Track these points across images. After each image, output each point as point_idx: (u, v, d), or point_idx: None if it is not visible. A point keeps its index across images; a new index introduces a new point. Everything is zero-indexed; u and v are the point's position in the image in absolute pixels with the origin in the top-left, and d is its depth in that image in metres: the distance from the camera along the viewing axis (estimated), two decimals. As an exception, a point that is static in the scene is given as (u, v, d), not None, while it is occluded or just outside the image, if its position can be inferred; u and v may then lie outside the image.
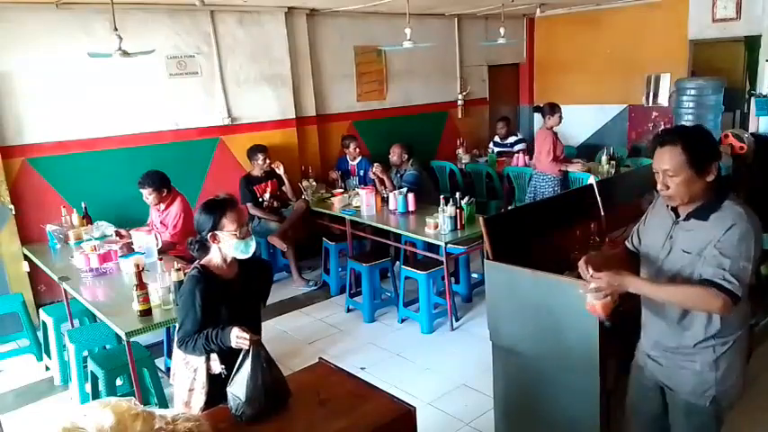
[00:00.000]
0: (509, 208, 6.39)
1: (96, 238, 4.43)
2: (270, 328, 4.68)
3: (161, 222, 4.54)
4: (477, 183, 7.22)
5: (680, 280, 2.03)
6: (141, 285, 3.15)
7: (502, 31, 6.93)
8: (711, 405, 2.08)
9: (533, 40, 9.15)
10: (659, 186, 2.03)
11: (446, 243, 4.48)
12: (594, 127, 8.49)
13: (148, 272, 3.56)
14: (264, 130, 6.25)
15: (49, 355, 4.37)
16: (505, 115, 8.30)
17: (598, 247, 3.13)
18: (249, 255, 2.45)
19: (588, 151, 7.54)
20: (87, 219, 4.83)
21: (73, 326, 4.25)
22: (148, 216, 4.76)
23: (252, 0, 5.63)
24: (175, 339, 2.50)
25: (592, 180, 3.68)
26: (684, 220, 2.05)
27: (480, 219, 2.97)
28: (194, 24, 5.71)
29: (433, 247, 4.95)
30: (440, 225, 4.58)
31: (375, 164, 5.89)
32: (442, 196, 4.81)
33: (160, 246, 4.16)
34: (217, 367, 2.45)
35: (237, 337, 2.19)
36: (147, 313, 3.16)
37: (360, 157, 6.50)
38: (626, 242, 2.39)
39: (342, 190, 5.98)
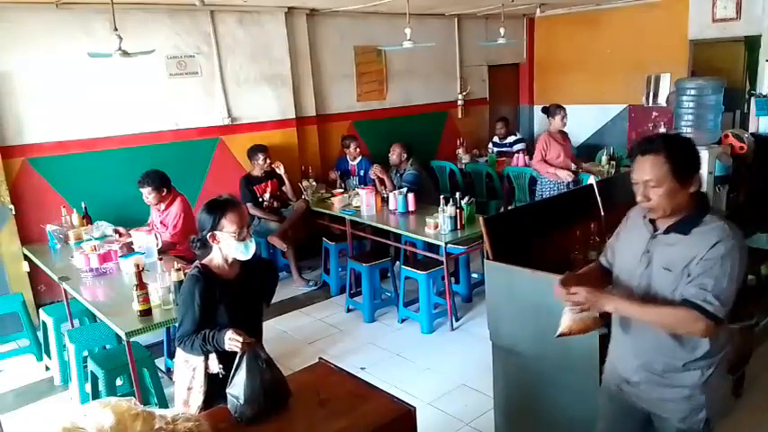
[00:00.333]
0: (509, 208, 6.40)
1: (96, 238, 4.44)
2: (270, 328, 4.67)
3: (161, 222, 4.54)
4: (477, 183, 7.23)
5: (660, 299, 1.92)
6: (141, 285, 3.15)
7: (502, 31, 6.93)
8: (705, 427, 2.00)
9: (533, 40, 9.15)
10: (639, 198, 1.91)
11: (446, 243, 4.48)
12: (594, 127, 8.49)
13: (148, 272, 3.56)
14: (264, 130, 6.25)
15: (49, 355, 4.37)
16: (504, 116, 8.31)
17: (598, 247, 3.14)
18: (248, 257, 2.45)
19: (588, 151, 7.55)
20: (87, 219, 4.83)
21: (73, 326, 4.25)
22: (148, 216, 4.76)
23: (252, 0, 5.63)
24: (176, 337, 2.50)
25: (592, 180, 3.68)
26: (664, 233, 1.94)
27: (480, 219, 2.97)
28: (194, 24, 5.71)
29: (433, 247, 4.95)
30: (440, 225, 4.58)
31: (375, 164, 5.90)
32: (441, 196, 4.82)
33: (160, 246, 4.15)
34: (215, 367, 2.45)
35: (230, 340, 2.20)
36: (147, 313, 3.16)
37: (360, 157, 6.50)
38: (600, 258, 2.27)
39: (342, 190, 5.98)
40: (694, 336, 1.87)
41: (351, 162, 6.59)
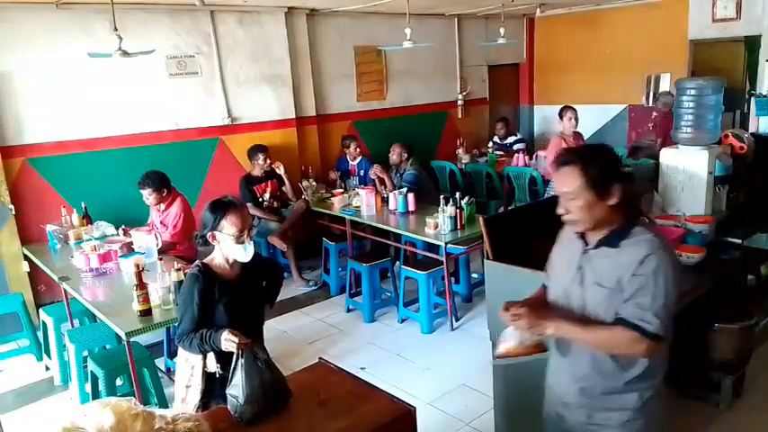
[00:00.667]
0: (509, 208, 6.39)
1: (96, 238, 4.43)
2: (270, 328, 4.65)
3: (161, 222, 4.54)
4: (477, 183, 7.22)
5: (595, 319, 1.86)
6: (141, 285, 3.15)
7: (502, 31, 6.94)
8: None
9: (533, 40, 9.15)
10: (560, 210, 1.88)
11: (446, 243, 4.48)
12: (594, 127, 8.48)
13: (148, 272, 3.56)
14: (264, 130, 6.25)
15: (49, 355, 4.37)
16: (504, 116, 8.32)
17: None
18: (246, 259, 2.45)
19: (588, 151, 7.54)
20: (87, 219, 4.83)
21: (73, 326, 4.25)
22: (148, 216, 4.76)
23: (252, 0, 5.63)
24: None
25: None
26: (594, 248, 1.87)
27: (480, 219, 2.97)
28: (194, 24, 5.71)
29: (433, 247, 4.95)
30: (440, 225, 4.58)
31: (375, 164, 5.90)
32: (441, 196, 4.82)
33: (160, 246, 4.16)
34: (212, 366, 2.46)
35: (226, 340, 2.20)
36: (147, 313, 3.16)
37: (360, 157, 6.50)
38: (544, 281, 2.19)
39: (342, 190, 5.98)
40: (637, 357, 1.82)
41: (351, 162, 6.59)
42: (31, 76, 4.93)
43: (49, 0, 4.78)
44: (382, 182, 5.77)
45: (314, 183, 6.17)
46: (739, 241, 3.78)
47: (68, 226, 4.74)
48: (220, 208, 2.43)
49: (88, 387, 3.56)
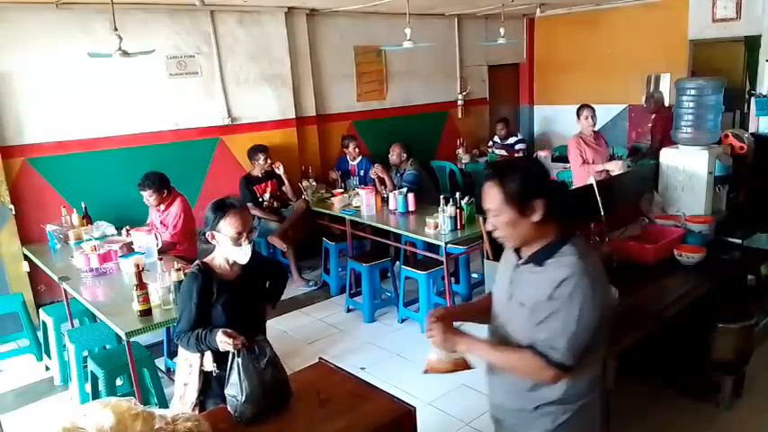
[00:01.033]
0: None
1: (96, 238, 4.44)
2: (270, 328, 4.60)
3: (161, 222, 4.54)
4: (478, 183, 7.22)
5: (514, 337, 1.80)
6: (141, 285, 3.15)
7: (502, 31, 6.93)
8: None
9: (533, 40, 9.14)
10: (488, 227, 1.81)
11: (446, 243, 4.47)
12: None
13: (148, 272, 3.56)
14: (264, 130, 6.25)
15: (49, 355, 4.37)
16: (505, 116, 8.32)
17: (598, 248, 3.14)
18: (244, 261, 2.45)
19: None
20: (87, 219, 4.83)
21: (73, 326, 4.25)
22: (148, 216, 4.76)
23: (252, 0, 5.63)
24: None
25: (592, 180, 3.68)
26: (525, 263, 1.79)
27: (480, 219, 2.97)
28: (194, 24, 5.71)
29: (433, 247, 4.95)
30: (440, 225, 4.58)
31: (376, 164, 5.90)
32: (441, 196, 4.81)
33: (160, 246, 4.16)
34: (209, 365, 2.46)
35: (221, 341, 2.20)
36: (147, 313, 3.16)
37: (360, 157, 6.50)
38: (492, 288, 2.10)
39: (342, 190, 5.98)
40: (544, 383, 1.76)
41: (351, 162, 6.59)
42: (31, 76, 4.93)
43: (49, 0, 4.78)
44: (382, 182, 5.77)
45: (314, 183, 6.17)
46: (739, 241, 3.79)
47: (68, 226, 4.74)
48: (221, 209, 2.43)
49: (88, 387, 3.56)
